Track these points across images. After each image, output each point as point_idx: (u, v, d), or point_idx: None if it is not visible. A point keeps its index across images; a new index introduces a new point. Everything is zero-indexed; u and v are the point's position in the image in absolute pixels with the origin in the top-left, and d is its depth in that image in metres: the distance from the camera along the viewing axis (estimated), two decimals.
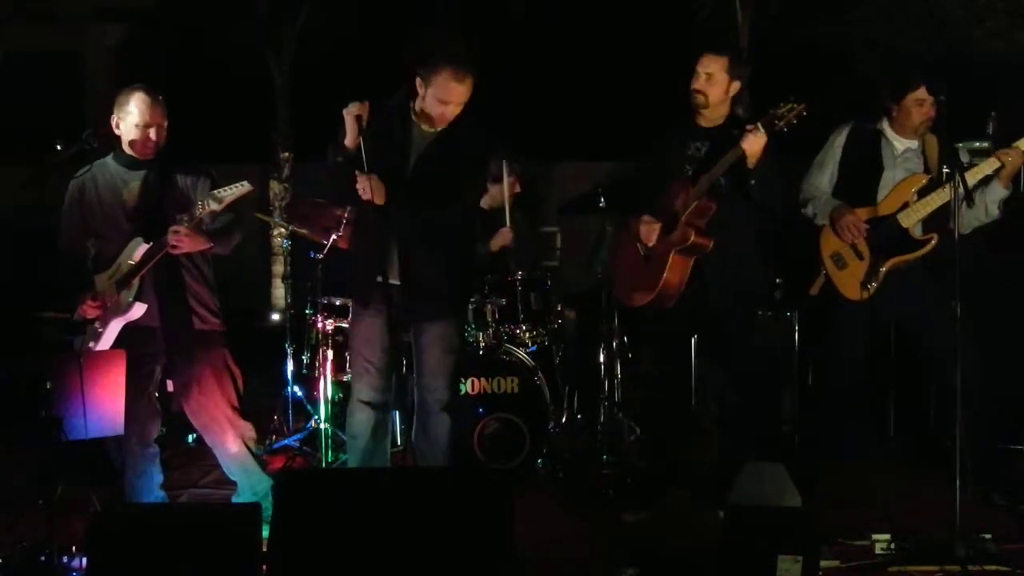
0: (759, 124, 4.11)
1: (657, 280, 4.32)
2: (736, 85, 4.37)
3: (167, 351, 4.24)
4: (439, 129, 4.01)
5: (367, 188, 3.85)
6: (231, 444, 4.32)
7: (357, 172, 3.86)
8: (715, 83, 4.32)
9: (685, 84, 4.42)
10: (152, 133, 4.17)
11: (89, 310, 4.16)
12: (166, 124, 4.23)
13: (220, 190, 4.03)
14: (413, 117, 4.01)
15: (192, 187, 4.27)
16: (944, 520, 3.88)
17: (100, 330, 4.17)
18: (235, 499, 4.42)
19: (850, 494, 4.64)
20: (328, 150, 4.03)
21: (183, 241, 4.05)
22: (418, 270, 3.97)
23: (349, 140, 3.88)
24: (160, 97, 4.20)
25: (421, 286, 3.97)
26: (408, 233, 3.94)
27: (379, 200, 3.87)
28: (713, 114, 4.38)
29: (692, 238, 4.25)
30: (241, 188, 4.02)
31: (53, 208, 4.34)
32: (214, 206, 4.01)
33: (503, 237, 5.69)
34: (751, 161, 4.16)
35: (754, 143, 4.12)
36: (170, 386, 4.29)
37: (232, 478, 4.44)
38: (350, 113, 3.86)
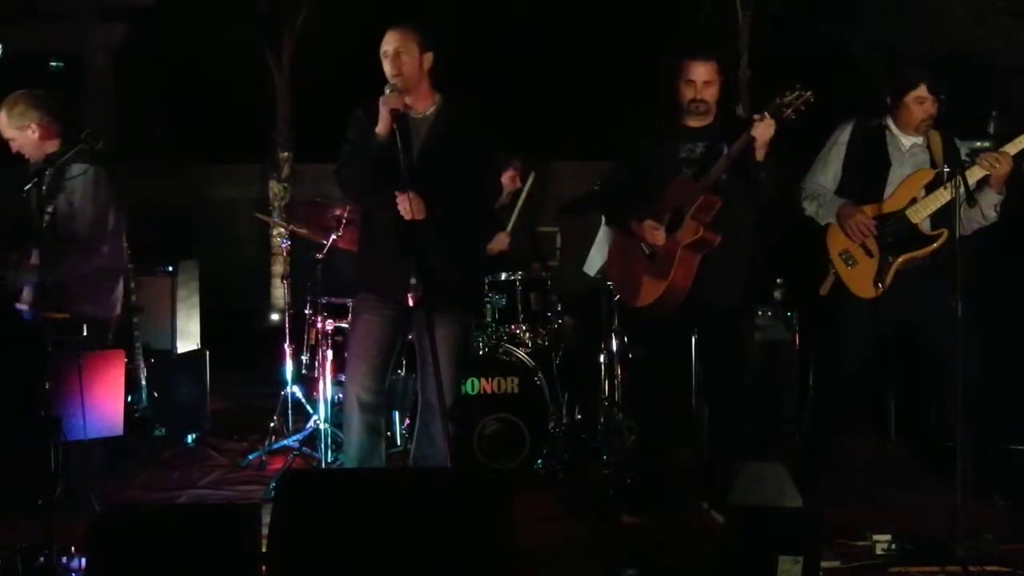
0: (767, 112, 4.12)
1: (665, 278, 4.30)
2: (721, 80, 4.38)
3: None
4: (426, 113, 4.04)
5: (408, 207, 3.84)
6: None
7: (397, 192, 3.86)
8: (711, 87, 4.33)
9: (666, 84, 4.41)
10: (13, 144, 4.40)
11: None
12: (25, 135, 4.39)
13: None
14: (404, 110, 3.99)
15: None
16: (944, 520, 3.88)
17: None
18: None
19: (850, 494, 4.64)
20: (345, 151, 4.03)
21: None
22: (433, 265, 3.92)
23: (381, 127, 3.88)
24: (13, 108, 4.38)
25: (435, 281, 3.94)
26: (422, 228, 3.90)
27: (419, 215, 3.87)
28: (707, 115, 4.39)
29: (700, 232, 4.23)
30: None
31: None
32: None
33: (500, 241, 5.69)
34: (760, 152, 4.15)
35: (764, 131, 4.11)
36: None
37: None
38: (387, 103, 3.86)
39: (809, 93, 4.09)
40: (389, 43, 3.98)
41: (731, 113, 4.46)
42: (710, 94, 4.34)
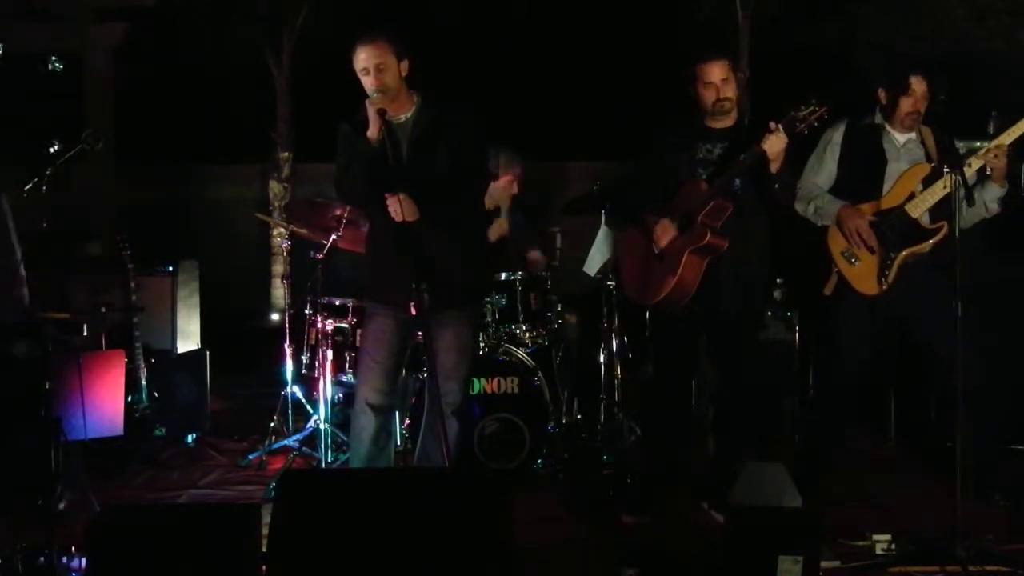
0: (780, 126, 4.12)
1: (671, 278, 4.31)
2: (741, 79, 4.38)
3: None
4: (407, 116, 4.03)
5: (398, 209, 3.84)
6: None
7: (387, 194, 3.86)
8: (730, 85, 4.34)
9: (686, 89, 4.42)
10: None
11: None
12: None
13: None
14: (386, 117, 3.97)
15: None
16: (944, 520, 3.88)
17: None
18: None
19: (850, 494, 4.64)
20: (340, 165, 4.03)
21: None
22: (435, 265, 3.91)
23: (372, 132, 3.87)
24: None
25: (439, 280, 3.92)
26: (417, 230, 3.90)
27: (411, 217, 3.87)
28: (731, 113, 4.39)
29: (708, 238, 4.24)
30: None
31: (54, 208, 4.35)
32: None
33: (499, 226, 5.68)
34: (773, 164, 4.15)
35: (775, 144, 4.10)
36: None
37: None
38: (373, 104, 3.85)
39: (824, 109, 4.09)
40: (367, 59, 3.90)
41: (750, 117, 4.44)
42: (731, 91, 4.35)
